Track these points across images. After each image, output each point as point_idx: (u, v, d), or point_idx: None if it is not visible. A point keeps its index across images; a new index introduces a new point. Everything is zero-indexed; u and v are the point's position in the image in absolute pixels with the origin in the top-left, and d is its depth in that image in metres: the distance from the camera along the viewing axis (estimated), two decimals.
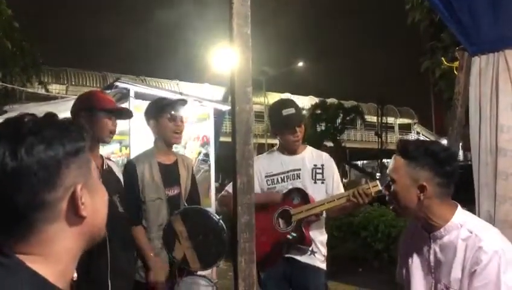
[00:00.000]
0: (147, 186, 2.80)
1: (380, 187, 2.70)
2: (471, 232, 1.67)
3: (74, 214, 0.90)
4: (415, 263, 1.83)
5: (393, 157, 1.81)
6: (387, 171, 1.83)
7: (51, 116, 0.97)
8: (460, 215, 1.73)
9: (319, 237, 3.00)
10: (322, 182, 3.03)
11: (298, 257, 2.93)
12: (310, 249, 2.93)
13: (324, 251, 3.01)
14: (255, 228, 2.80)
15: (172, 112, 2.89)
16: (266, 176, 3.05)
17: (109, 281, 2.39)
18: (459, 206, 1.77)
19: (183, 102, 3.02)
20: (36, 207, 0.86)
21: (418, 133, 45.47)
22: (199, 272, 2.77)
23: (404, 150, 1.76)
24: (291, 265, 2.93)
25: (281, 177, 3.03)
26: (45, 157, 0.86)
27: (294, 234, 2.88)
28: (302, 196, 2.90)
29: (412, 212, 1.77)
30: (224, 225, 2.63)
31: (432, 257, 1.76)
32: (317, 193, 2.97)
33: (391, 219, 6.71)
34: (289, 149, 3.09)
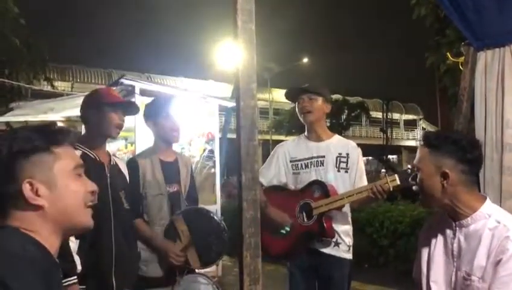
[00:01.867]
0: (149, 182, 2.84)
1: (398, 182, 2.66)
2: (498, 222, 1.69)
3: (29, 203, 1.12)
4: (437, 250, 1.84)
5: (418, 148, 1.86)
6: (414, 161, 1.87)
7: (35, 126, 1.21)
8: (489, 206, 1.76)
9: (343, 227, 2.99)
10: (346, 171, 3.00)
11: (322, 249, 2.93)
12: (334, 240, 2.93)
13: (348, 240, 3.00)
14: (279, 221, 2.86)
15: (168, 111, 2.93)
16: (291, 161, 3.06)
17: (113, 275, 2.42)
18: (488, 199, 1.79)
19: (178, 100, 3.06)
20: (2, 197, 1.13)
21: (423, 129, 45.26)
22: (199, 271, 2.79)
23: (427, 139, 1.82)
24: (316, 257, 2.94)
25: (304, 163, 3.03)
26: (1, 157, 1.11)
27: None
28: (322, 189, 2.88)
29: (438, 201, 1.78)
30: (225, 226, 2.64)
31: (455, 245, 1.77)
32: (340, 181, 2.96)
33: (397, 215, 6.69)
34: (312, 135, 3.08)
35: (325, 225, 2.86)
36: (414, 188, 1.87)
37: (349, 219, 3.06)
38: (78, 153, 2.25)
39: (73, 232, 1.25)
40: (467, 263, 1.72)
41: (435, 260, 1.83)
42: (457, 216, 1.76)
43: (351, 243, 3.02)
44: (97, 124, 2.49)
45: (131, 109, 2.70)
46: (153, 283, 2.76)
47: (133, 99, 5.62)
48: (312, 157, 3.02)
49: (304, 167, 3.02)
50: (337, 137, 3.15)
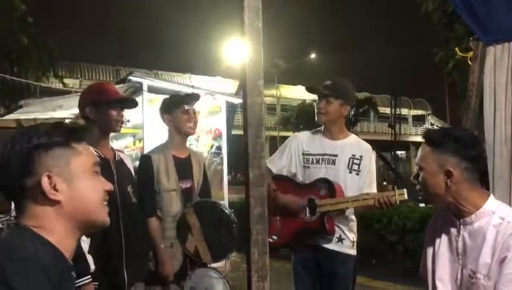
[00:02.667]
0: (162, 178, 2.86)
1: (406, 197, 2.69)
2: (503, 219, 1.67)
3: (47, 198, 1.12)
4: (442, 249, 1.83)
5: (420, 147, 1.84)
6: (416, 160, 1.85)
7: (54, 123, 1.24)
8: (493, 203, 1.74)
9: (347, 223, 3.00)
10: (357, 174, 2.99)
11: (325, 245, 2.94)
12: (338, 236, 2.94)
13: (352, 236, 3.01)
14: (286, 209, 2.87)
15: (186, 106, 2.97)
16: (304, 154, 3.06)
17: (124, 270, 2.44)
18: (492, 195, 1.78)
19: (197, 96, 3.11)
20: (20, 190, 1.13)
21: (432, 124, 45.04)
22: (210, 265, 2.80)
23: (429, 138, 1.80)
24: (319, 253, 2.95)
25: (316, 159, 3.02)
26: (20, 150, 1.12)
27: (275, 237, 2.92)
28: (329, 188, 2.88)
29: (441, 199, 1.77)
30: (235, 219, 2.65)
31: (460, 243, 1.76)
32: (349, 183, 2.96)
33: (405, 211, 6.67)
34: (329, 132, 3.07)
35: (326, 224, 2.87)
36: (417, 187, 1.85)
37: (353, 215, 3.07)
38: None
39: (90, 229, 1.25)
40: (472, 260, 1.71)
41: (440, 258, 1.82)
42: (461, 214, 1.75)
43: (355, 239, 3.02)
44: (97, 122, 2.50)
45: (129, 103, 2.71)
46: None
47: (141, 96, 5.65)
48: (325, 154, 3.01)
49: (315, 162, 3.02)
50: (353, 137, 3.14)
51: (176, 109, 2.97)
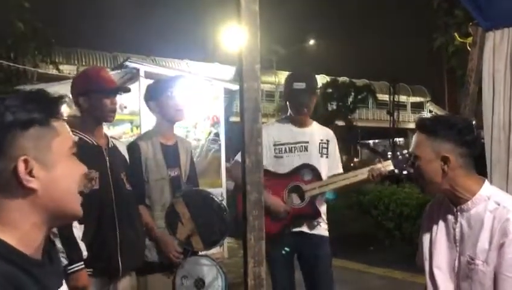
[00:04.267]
0: (150, 167, 2.81)
1: (392, 167, 2.90)
2: (498, 204, 1.68)
3: (21, 186, 0.93)
4: (439, 236, 1.83)
5: (414, 135, 1.83)
6: (410, 149, 1.85)
7: (32, 90, 1.00)
8: (488, 188, 1.75)
9: (322, 207, 3.12)
10: (327, 157, 3.13)
11: (307, 230, 3.04)
12: (318, 219, 3.07)
13: (325, 218, 3.14)
14: (270, 208, 2.89)
15: (171, 91, 2.89)
16: (275, 144, 3.09)
17: (119, 258, 2.43)
18: (487, 181, 1.78)
19: (183, 79, 3.04)
20: None
21: (430, 111, 45.00)
22: (202, 252, 2.80)
23: (423, 125, 1.79)
24: (300, 238, 3.03)
25: (288, 148, 3.09)
26: None
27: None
28: (314, 172, 3.00)
29: (438, 187, 1.77)
30: (226, 206, 2.64)
31: (457, 230, 1.77)
32: (322, 166, 3.07)
33: (403, 197, 6.69)
34: (297, 121, 3.13)
35: (318, 207, 3.01)
36: (413, 175, 1.85)
37: (324, 198, 3.19)
38: (75, 138, 2.25)
39: (60, 222, 1.06)
40: (470, 247, 1.71)
41: (437, 246, 1.83)
42: (458, 201, 1.75)
43: (326, 221, 3.16)
44: (89, 110, 2.45)
45: (123, 89, 2.66)
46: (158, 267, 2.77)
47: (137, 82, 5.61)
48: (297, 143, 3.08)
49: (288, 151, 3.08)
50: (315, 124, 3.24)
51: (162, 94, 2.88)
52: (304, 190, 2.97)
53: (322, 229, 3.09)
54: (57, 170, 0.98)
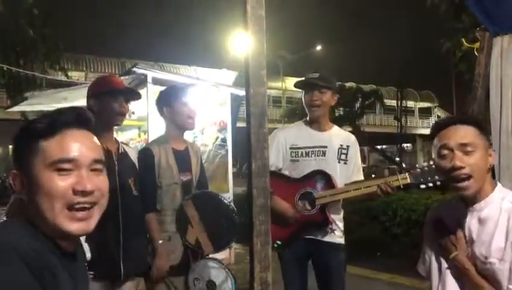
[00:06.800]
0: (163, 172, 2.83)
1: (409, 180, 2.64)
2: None
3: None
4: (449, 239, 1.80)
5: (461, 129, 1.71)
6: (462, 140, 1.69)
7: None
8: (501, 189, 1.75)
9: (337, 214, 3.02)
10: (345, 163, 3.02)
11: (319, 237, 2.96)
12: (330, 227, 2.96)
13: (341, 225, 3.03)
14: (281, 212, 2.86)
15: (185, 98, 2.92)
16: (291, 148, 3.03)
17: (121, 262, 2.44)
18: (499, 183, 1.79)
19: (196, 87, 3.06)
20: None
21: (438, 117, 44.79)
22: (212, 255, 2.80)
23: (469, 118, 1.78)
24: (313, 245, 2.96)
25: (305, 151, 3.01)
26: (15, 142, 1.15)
27: (279, 243, 2.89)
28: (327, 179, 2.90)
29: (481, 183, 1.69)
30: (234, 208, 2.64)
31: (467, 232, 1.75)
32: (339, 172, 2.98)
33: (411, 203, 6.65)
34: (315, 123, 3.06)
35: (328, 215, 2.89)
36: (457, 172, 1.70)
37: (340, 206, 3.07)
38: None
39: (57, 235, 1.13)
40: (483, 246, 1.70)
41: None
42: (473, 201, 1.73)
43: (343, 229, 3.05)
44: (99, 113, 2.48)
45: (133, 95, 2.69)
46: (169, 271, 2.77)
47: (145, 88, 5.64)
48: (314, 147, 3.00)
49: (304, 155, 3.01)
50: (336, 128, 3.16)
51: (176, 100, 2.90)
52: (316, 197, 2.88)
53: (336, 236, 2.99)
54: (35, 187, 1.10)
